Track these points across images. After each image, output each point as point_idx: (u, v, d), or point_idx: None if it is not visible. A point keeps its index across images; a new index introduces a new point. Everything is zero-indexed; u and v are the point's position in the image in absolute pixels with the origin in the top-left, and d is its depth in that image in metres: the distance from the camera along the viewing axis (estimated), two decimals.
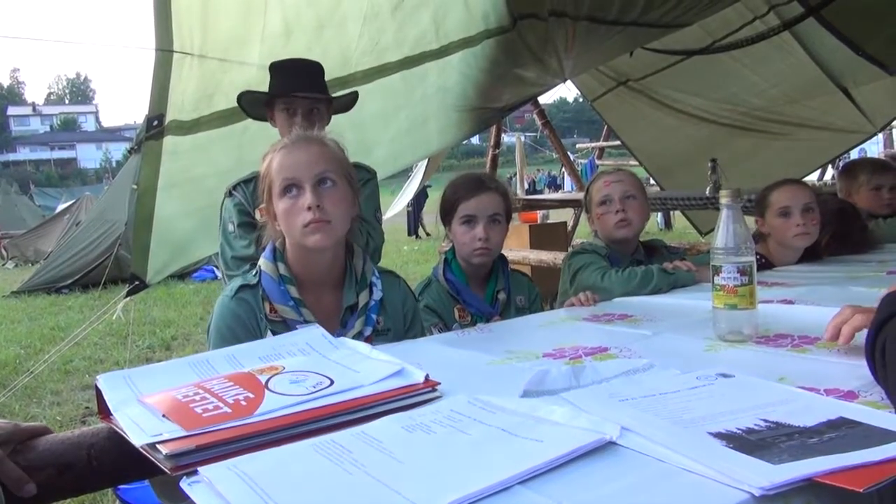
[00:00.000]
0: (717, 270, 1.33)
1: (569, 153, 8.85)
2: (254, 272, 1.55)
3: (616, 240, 2.18)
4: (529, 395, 0.99)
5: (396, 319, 1.61)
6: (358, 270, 1.57)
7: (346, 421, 0.89)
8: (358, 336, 1.47)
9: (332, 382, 0.97)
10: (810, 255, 2.34)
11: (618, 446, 0.79)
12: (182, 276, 9.26)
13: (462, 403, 0.93)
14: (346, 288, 1.55)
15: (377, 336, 1.51)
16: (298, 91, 2.15)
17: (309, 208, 1.44)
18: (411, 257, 11.54)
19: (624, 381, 1.04)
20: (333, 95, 2.30)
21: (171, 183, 2.94)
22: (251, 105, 2.27)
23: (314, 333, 1.21)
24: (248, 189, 2.14)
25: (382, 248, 2.27)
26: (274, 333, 1.44)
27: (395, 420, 0.88)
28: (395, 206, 11.66)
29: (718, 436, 0.79)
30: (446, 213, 2.02)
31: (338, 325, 1.49)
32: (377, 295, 1.57)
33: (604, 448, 0.78)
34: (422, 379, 0.99)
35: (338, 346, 1.16)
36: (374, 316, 1.55)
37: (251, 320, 1.48)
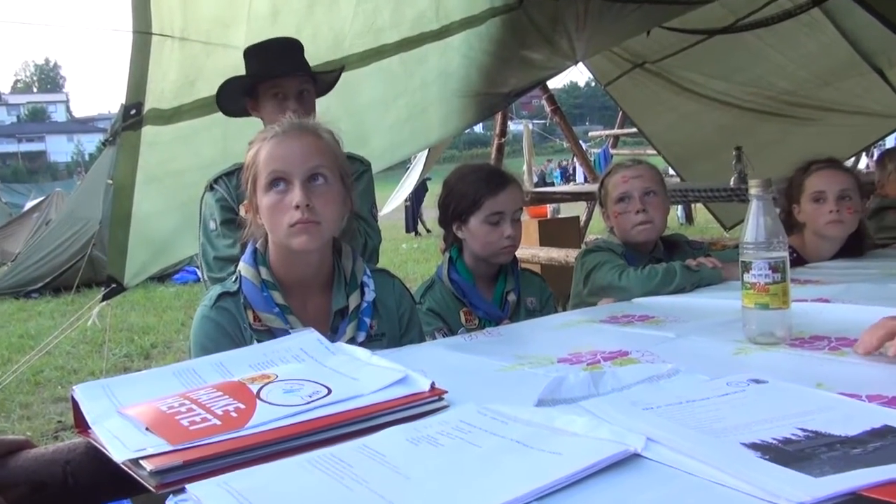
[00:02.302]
0: (746, 267, 1.32)
1: (581, 142, 8.84)
2: (234, 278, 1.54)
3: (637, 242, 2.18)
4: (545, 404, 0.99)
5: (391, 323, 1.61)
6: (347, 271, 1.57)
7: (345, 433, 0.89)
8: (350, 342, 1.46)
9: (329, 391, 0.97)
10: (852, 248, 2.33)
11: (643, 458, 0.79)
12: (162, 278, 9.27)
13: (472, 413, 0.93)
14: (335, 290, 1.54)
15: (371, 342, 1.51)
16: (286, 71, 2.14)
17: (297, 207, 1.42)
18: (410, 256, 11.54)
19: (647, 388, 1.04)
20: (317, 71, 2.27)
21: (151, 177, 2.94)
22: (230, 98, 2.24)
23: (308, 338, 1.21)
24: (231, 183, 2.13)
25: (380, 248, 2.26)
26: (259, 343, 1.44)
27: (400, 432, 0.88)
28: (392, 201, 11.65)
29: (752, 446, 0.79)
30: (463, 211, 2.00)
31: (328, 331, 1.48)
32: (370, 296, 1.56)
33: (628, 460, 0.78)
34: (427, 387, 0.99)
35: (335, 351, 1.16)
36: (366, 320, 1.54)
37: (235, 331, 1.48)
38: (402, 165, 11.91)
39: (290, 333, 1.43)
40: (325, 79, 2.28)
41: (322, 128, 1.53)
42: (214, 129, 2.93)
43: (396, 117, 3.65)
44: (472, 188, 1.99)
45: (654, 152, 6.60)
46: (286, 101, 2.12)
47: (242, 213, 1.57)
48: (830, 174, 2.30)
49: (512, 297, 2.03)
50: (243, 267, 1.53)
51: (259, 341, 1.44)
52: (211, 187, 2.18)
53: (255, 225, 1.53)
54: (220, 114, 2.82)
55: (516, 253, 2.09)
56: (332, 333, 1.49)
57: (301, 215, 1.42)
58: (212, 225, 2.15)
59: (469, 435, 0.85)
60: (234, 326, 1.48)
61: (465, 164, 2.13)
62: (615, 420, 0.89)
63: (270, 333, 1.46)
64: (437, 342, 1.63)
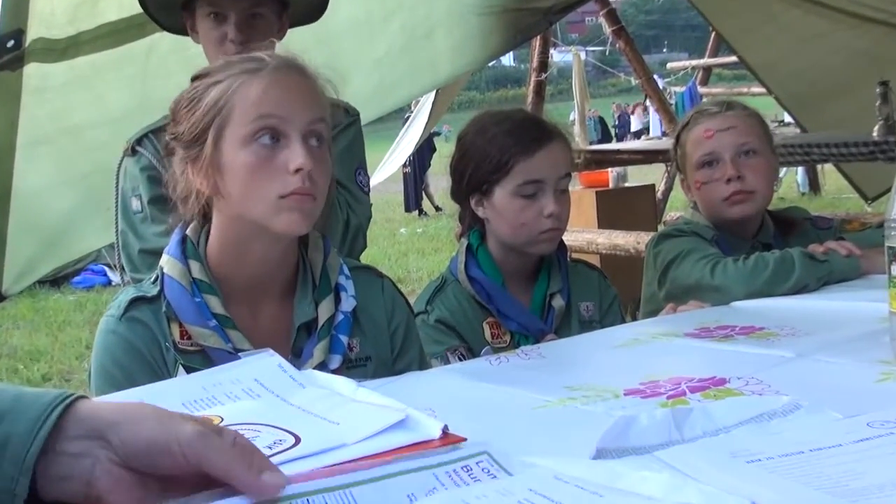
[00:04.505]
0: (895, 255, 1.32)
1: (656, 77, 8.80)
2: (153, 277, 1.55)
3: (729, 220, 2.18)
4: (606, 456, 0.99)
5: (379, 342, 1.62)
6: (317, 268, 1.59)
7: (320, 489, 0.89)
8: (320, 370, 1.46)
9: (297, 441, 0.97)
10: None
11: None
12: (57, 281, 9.32)
13: (547, 480, 0.91)
14: (299, 296, 1.56)
15: (350, 369, 1.53)
16: None
17: (296, 171, 1.44)
18: (412, 245, 11.57)
19: (753, 432, 1.04)
20: None
21: (38, 137, 2.95)
22: (162, 8, 2.27)
23: (266, 365, 1.21)
24: (161, 143, 2.14)
25: (367, 231, 2.26)
26: (188, 370, 1.45)
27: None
28: (385, 168, 11.67)
29: None
30: (484, 178, 2.00)
31: (287, 354, 1.49)
32: (348, 305, 1.58)
33: None
34: (437, 432, 0.99)
35: (304, 382, 1.16)
36: (343, 338, 1.55)
37: (152, 351, 1.49)
38: (398, 115, 11.89)
39: (233, 356, 1.44)
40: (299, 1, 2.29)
41: (313, 66, 1.55)
42: (127, 66, 2.94)
43: (388, 46, 3.65)
44: (496, 146, 1.99)
45: (762, 90, 6.55)
46: (223, 27, 2.12)
47: (182, 176, 1.54)
48: None
49: (558, 302, 2.03)
50: (167, 262, 1.54)
51: (187, 367, 1.45)
52: (133, 150, 2.19)
53: (198, 194, 1.52)
54: (135, 45, 2.82)
55: (563, 239, 2.09)
56: (295, 357, 1.50)
57: (301, 183, 1.44)
58: (135, 204, 2.16)
59: None
60: (152, 345, 1.49)
61: (487, 112, 2.13)
62: (707, 477, 0.89)
63: (204, 356, 1.48)
64: (451, 368, 1.64)
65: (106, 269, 9.56)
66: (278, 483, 0.80)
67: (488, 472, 0.92)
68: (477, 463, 0.93)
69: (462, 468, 0.92)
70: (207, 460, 0.79)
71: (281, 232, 1.48)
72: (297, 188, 1.44)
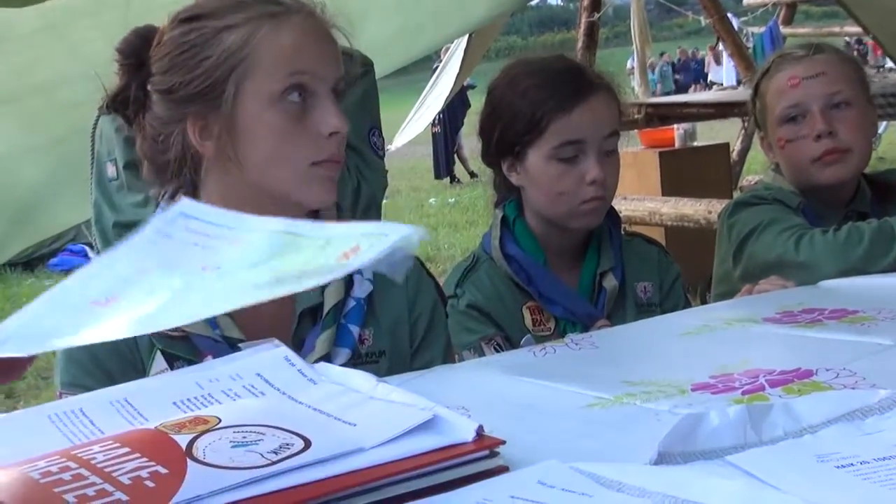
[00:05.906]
0: None
1: (730, 16, 8.73)
2: None
3: (818, 185, 2.17)
4: (669, 461, 0.99)
5: (397, 333, 1.63)
6: None
7: None
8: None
9: (307, 445, 0.98)
10: None
11: None
12: (31, 262, 9.38)
13: (557, 472, 0.92)
14: None
15: (358, 366, 1.51)
16: None
17: (331, 135, 1.48)
18: (443, 218, 11.56)
19: (845, 432, 1.04)
20: None
21: (2, 95, 2.97)
22: None
23: (271, 357, 1.22)
24: None
25: (383, 199, 2.27)
26: (171, 363, 1.47)
27: None
28: (409, 128, 11.65)
29: None
30: (516, 139, 2.00)
31: (287, 345, 1.49)
32: (362, 290, 1.59)
33: None
34: (471, 434, 0.99)
35: (315, 378, 1.17)
36: (354, 329, 1.56)
37: (128, 341, 1.49)
38: (425, 65, 11.88)
39: (220, 344, 1.46)
40: None
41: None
42: (106, 11, 2.95)
43: None
44: (528, 101, 1.98)
45: (858, 30, 6.49)
46: None
47: (176, 137, 1.54)
48: None
49: (610, 283, 2.03)
50: None
51: (170, 357, 1.47)
52: (108, 109, 2.21)
53: (194, 159, 1.52)
54: None
55: (618, 208, 2.08)
56: (296, 349, 1.50)
57: (336, 149, 1.49)
58: (111, 170, 2.18)
59: None
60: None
61: (520, 60, 2.13)
62: (789, 486, 0.89)
63: (188, 343, 1.49)
64: (487, 360, 1.64)
65: (87, 248, 9.53)
66: None
67: None
68: None
69: None
70: None
71: (307, 204, 1.51)
72: (332, 155, 1.48)
